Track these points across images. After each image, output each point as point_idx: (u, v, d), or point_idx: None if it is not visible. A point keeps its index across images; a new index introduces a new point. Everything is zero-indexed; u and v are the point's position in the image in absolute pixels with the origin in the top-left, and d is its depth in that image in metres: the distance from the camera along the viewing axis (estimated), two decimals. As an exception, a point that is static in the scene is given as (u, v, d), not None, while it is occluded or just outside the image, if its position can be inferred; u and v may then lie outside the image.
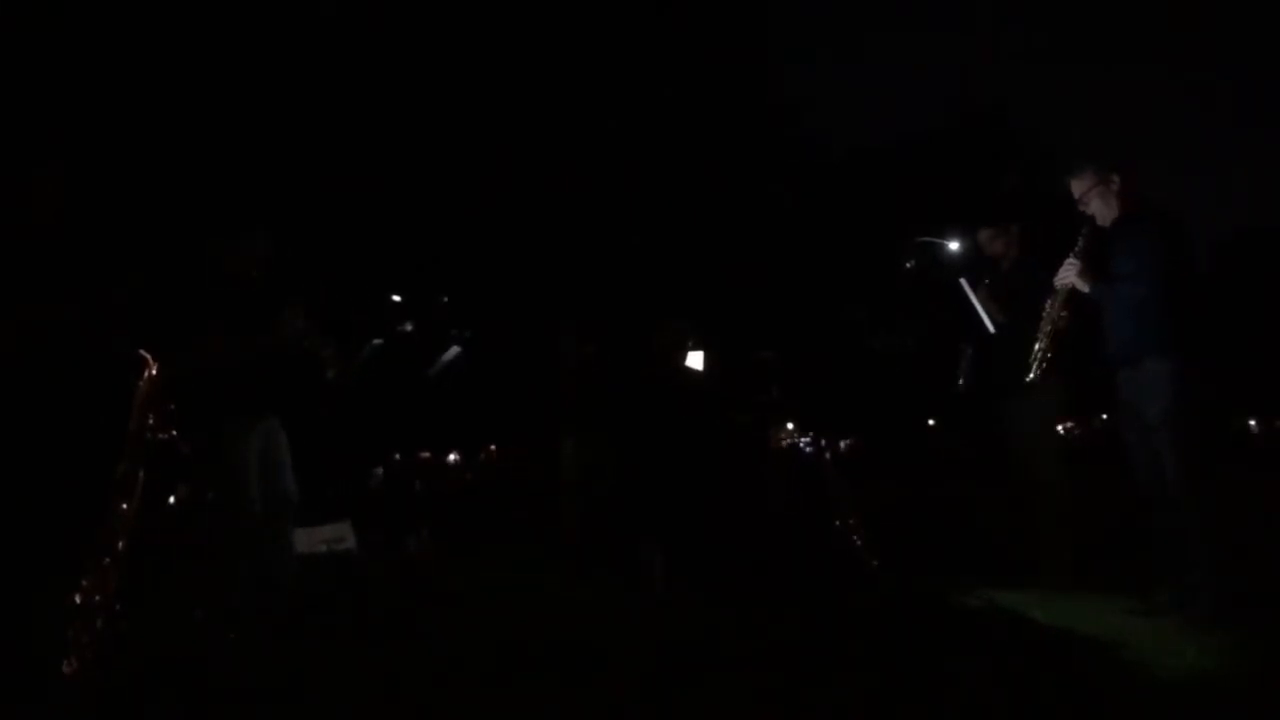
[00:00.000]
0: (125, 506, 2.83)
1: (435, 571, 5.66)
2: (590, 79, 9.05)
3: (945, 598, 4.05)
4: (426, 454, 21.88)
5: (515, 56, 8.73)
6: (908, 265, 5.43)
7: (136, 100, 7.91)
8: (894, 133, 25.23)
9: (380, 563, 5.78)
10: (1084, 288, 3.56)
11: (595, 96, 9.12)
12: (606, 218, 9.25)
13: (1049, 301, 3.76)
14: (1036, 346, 3.78)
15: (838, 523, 4.80)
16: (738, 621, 3.75)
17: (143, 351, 3.00)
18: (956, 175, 18.75)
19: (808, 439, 6.00)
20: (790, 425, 5.96)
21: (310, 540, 5.47)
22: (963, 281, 4.64)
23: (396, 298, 5.48)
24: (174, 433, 3.19)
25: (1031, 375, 3.79)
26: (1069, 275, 3.58)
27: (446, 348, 5.40)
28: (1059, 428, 5.05)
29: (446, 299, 5.82)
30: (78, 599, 2.72)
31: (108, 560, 2.78)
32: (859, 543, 4.74)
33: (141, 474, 2.88)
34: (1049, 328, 3.75)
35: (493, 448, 26.91)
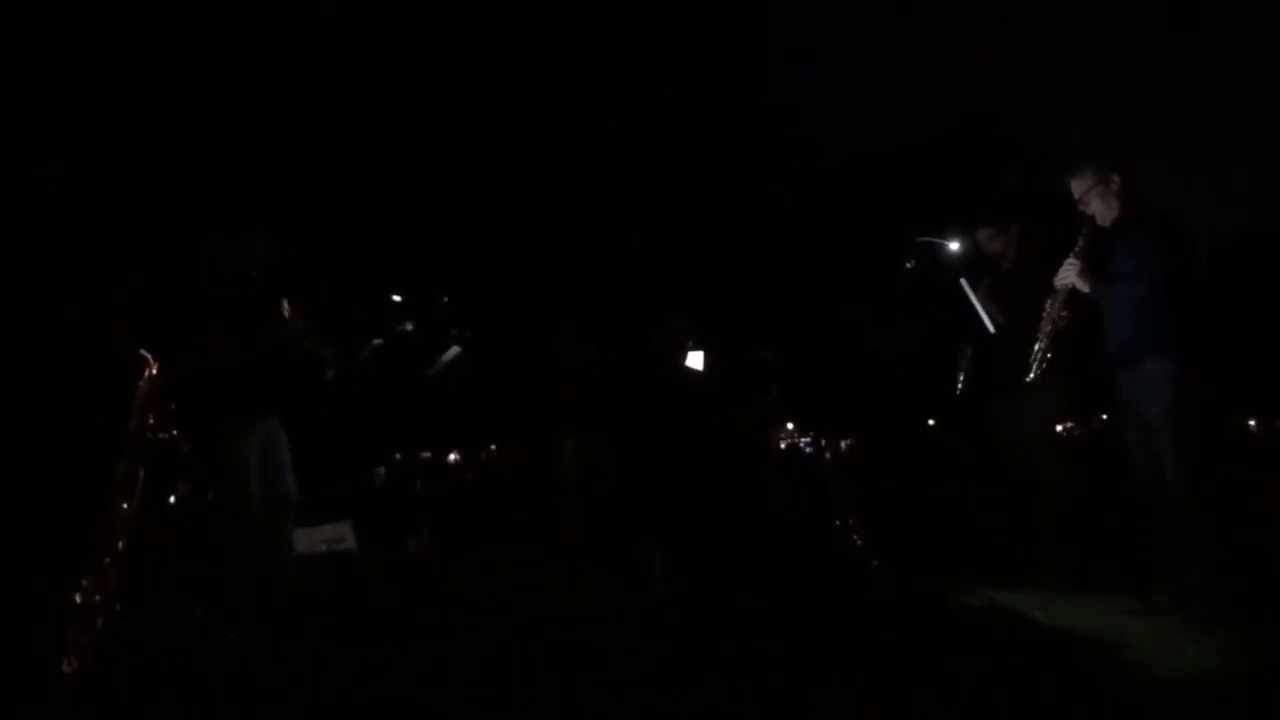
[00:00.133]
0: (125, 506, 2.84)
1: (435, 571, 5.66)
2: (590, 79, 9.05)
3: (945, 598, 4.05)
4: (427, 454, 21.87)
5: (515, 56, 8.73)
6: (908, 265, 5.43)
7: (136, 100, 7.91)
8: (894, 133, 25.25)
9: (380, 563, 5.78)
10: (1084, 288, 3.56)
11: (595, 96, 9.12)
12: (606, 218, 9.25)
13: (1049, 301, 3.76)
14: (1036, 346, 3.78)
15: (838, 523, 4.80)
16: (738, 621, 3.75)
17: (143, 351, 3.00)
18: (956, 175, 18.74)
19: (808, 439, 6.00)
20: (790, 425, 5.96)
21: (310, 540, 5.46)
22: (963, 281, 4.64)
23: (396, 298, 5.48)
24: (174, 433, 3.19)
25: (1031, 375, 3.79)
26: (1069, 275, 3.59)
27: (446, 348, 5.40)
28: (1059, 428, 5.05)
29: (446, 299, 5.82)
30: (78, 599, 2.72)
31: (108, 560, 2.78)
32: (859, 543, 4.74)
33: (141, 474, 2.88)
34: (1049, 328, 3.75)
35: (493, 448, 26.91)
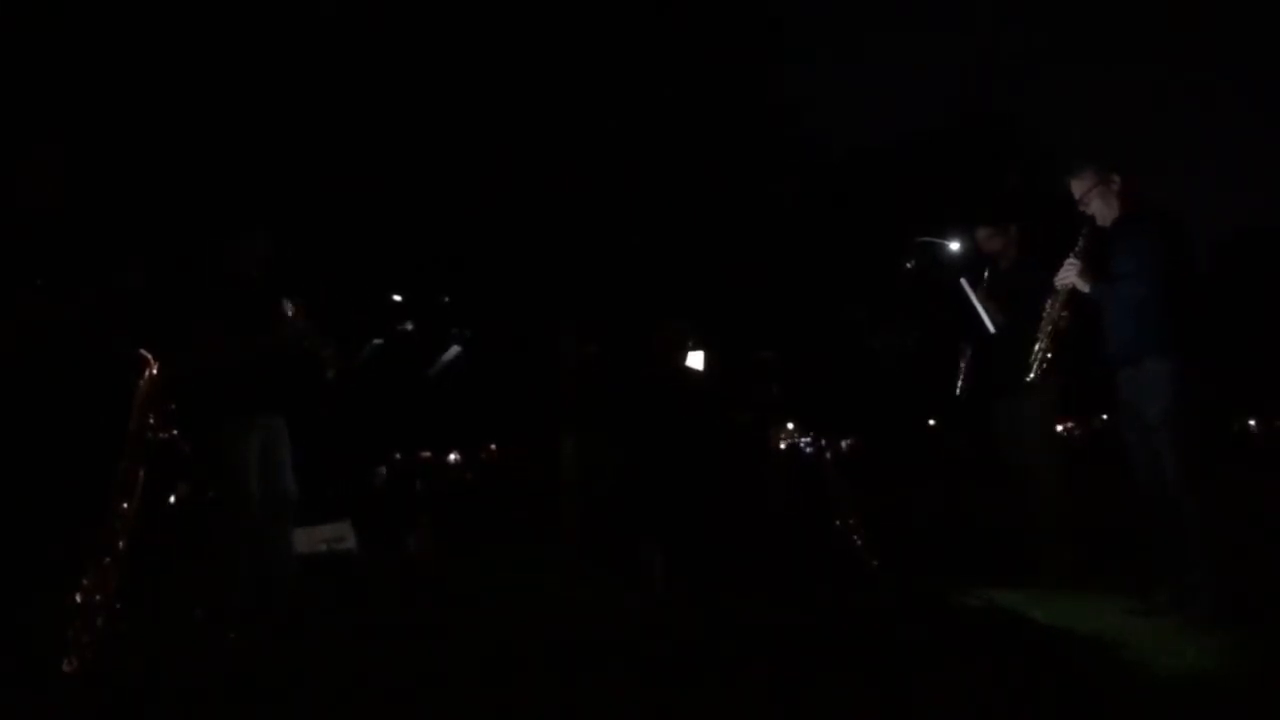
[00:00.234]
0: (125, 506, 2.84)
1: (435, 571, 5.66)
2: (590, 79, 9.05)
3: (945, 598, 4.05)
4: (427, 454, 21.88)
5: (515, 56, 8.73)
6: (908, 265, 5.43)
7: (137, 100, 7.91)
8: (894, 133, 25.23)
9: (380, 563, 5.79)
10: (1084, 288, 3.55)
11: (595, 96, 9.12)
12: (607, 218, 9.24)
13: (1049, 301, 3.76)
14: (1037, 347, 3.78)
15: (838, 523, 4.80)
16: (738, 621, 3.75)
17: (143, 351, 3.00)
18: (956, 175, 18.74)
19: (808, 439, 6.01)
20: (790, 425, 5.96)
21: (310, 540, 5.48)
22: (963, 281, 4.64)
23: (396, 298, 5.48)
24: (174, 433, 3.19)
25: (1032, 375, 3.79)
26: (1069, 275, 3.58)
27: (446, 348, 5.40)
28: (1059, 428, 5.05)
29: (446, 299, 5.82)
30: (78, 599, 2.72)
31: (108, 560, 2.78)
32: (859, 543, 4.74)
33: (141, 474, 2.88)
34: (1049, 328, 3.75)
35: (493, 447, 26.90)
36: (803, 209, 13.84)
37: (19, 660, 2.76)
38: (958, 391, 4.78)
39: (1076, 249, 3.59)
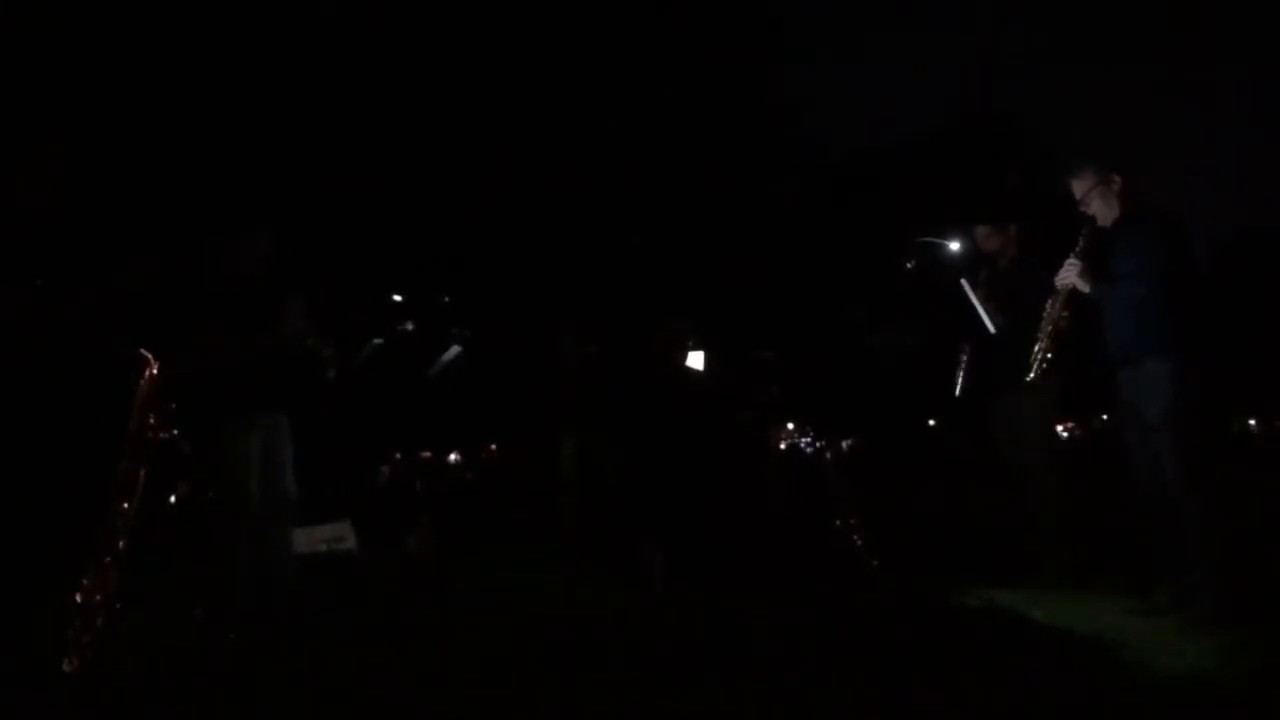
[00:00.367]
0: (125, 506, 2.84)
1: (435, 571, 5.66)
2: (590, 79, 9.05)
3: (945, 598, 4.05)
4: (427, 454, 21.88)
5: (515, 56, 8.73)
6: (908, 265, 5.42)
7: (137, 100, 7.90)
8: (894, 133, 25.25)
9: (380, 563, 5.79)
10: (1085, 288, 3.56)
11: (595, 96, 9.12)
12: (607, 218, 9.24)
13: (1050, 301, 3.76)
14: (1037, 347, 3.78)
15: (838, 523, 4.80)
16: (737, 621, 3.75)
17: (143, 351, 3.00)
18: (956, 175, 18.74)
19: (808, 439, 6.01)
20: (790, 425, 5.96)
21: (310, 540, 5.48)
22: (963, 282, 4.64)
23: (396, 298, 5.48)
24: (174, 433, 3.19)
25: (1032, 375, 3.79)
26: (1070, 275, 3.58)
27: (447, 348, 5.40)
28: (1059, 428, 5.05)
29: (447, 299, 5.82)
30: (78, 599, 2.72)
31: (108, 560, 2.78)
32: (859, 543, 4.74)
33: (142, 473, 2.89)
34: (1050, 328, 3.75)
35: (493, 447, 26.89)
36: (803, 209, 13.84)
37: (19, 660, 2.76)
38: (957, 392, 4.77)
39: (1077, 249, 3.59)
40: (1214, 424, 4.68)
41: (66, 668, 2.63)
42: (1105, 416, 24.65)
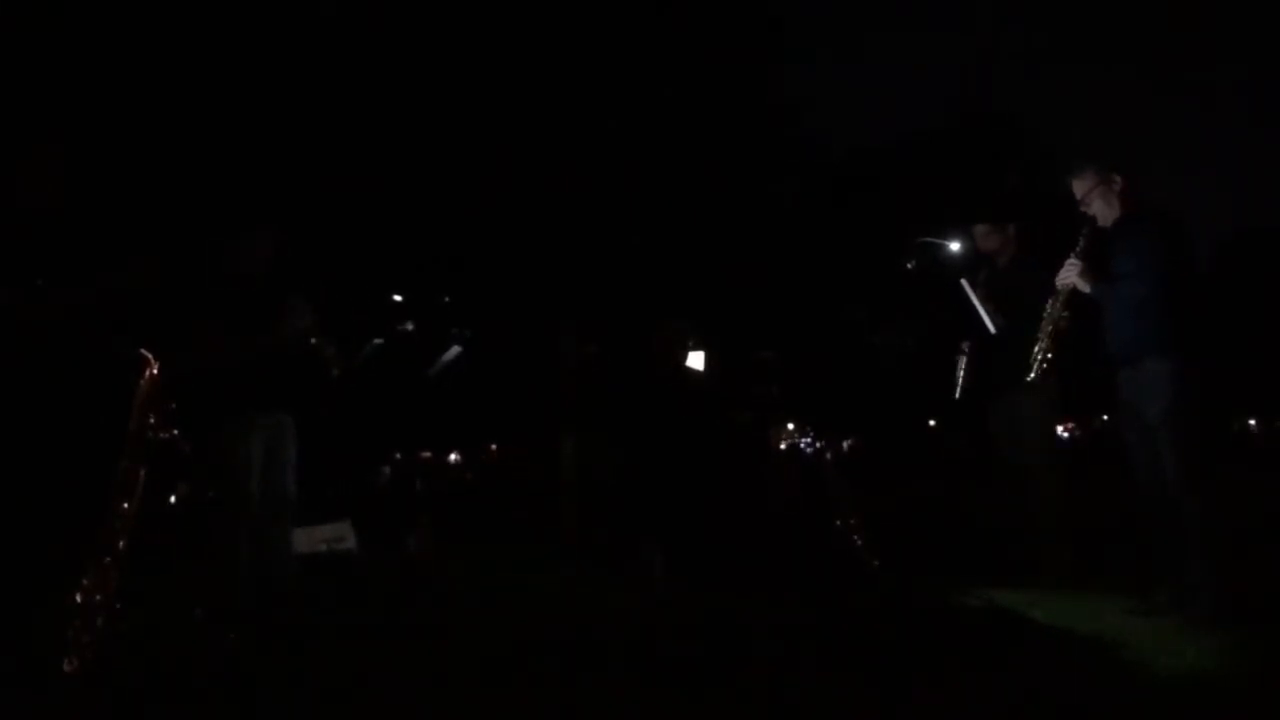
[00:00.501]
0: (125, 506, 2.84)
1: (435, 571, 5.66)
2: (590, 79, 9.05)
3: (945, 598, 4.05)
4: (427, 454, 21.88)
5: (515, 56, 8.73)
6: (908, 265, 5.42)
7: (137, 100, 7.91)
8: (894, 133, 25.24)
9: (380, 563, 5.79)
10: (1085, 288, 3.56)
11: (595, 96, 9.12)
12: (607, 218, 9.25)
13: (1050, 301, 3.76)
14: (1037, 347, 3.78)
15: (838, 523, 4.80)
16: (737, 621, 3.75)
17: (143, 351, 3.00)
18: (956, 175, 18.74)
19: (808, 439, 6.01)
20: (790, 425, 5.96)
21: (310, 540, 5.49)
22: (963, 282, 4.64)
23: (397, 297, 5.48)
24: (174, 433, 3.19)
25: (1032, 375, 3.79)
26: (1070, 275, 3.59)
27: (447, 348, 5.40)
28: (1059, 428, 5.05)
29: (447, 299, 5.82)
30: (78, 599, 2.72)
31: (108, 560, 2.78)
32: (859, 543, 4.74)
33: (142, 473, 2.88)
34: (1050, 328, 3.75)
35: (493, 447, 26.90)
36: (803, 209, 13.84)
37: (19, 660, 2.76)
38: (957, 393, 4.77)
39: (1077, 249, 3.59)
40: (1214, 424, 4.67)
41: (66, 668, 2.63)
42: (1105, 416, 24.65)
